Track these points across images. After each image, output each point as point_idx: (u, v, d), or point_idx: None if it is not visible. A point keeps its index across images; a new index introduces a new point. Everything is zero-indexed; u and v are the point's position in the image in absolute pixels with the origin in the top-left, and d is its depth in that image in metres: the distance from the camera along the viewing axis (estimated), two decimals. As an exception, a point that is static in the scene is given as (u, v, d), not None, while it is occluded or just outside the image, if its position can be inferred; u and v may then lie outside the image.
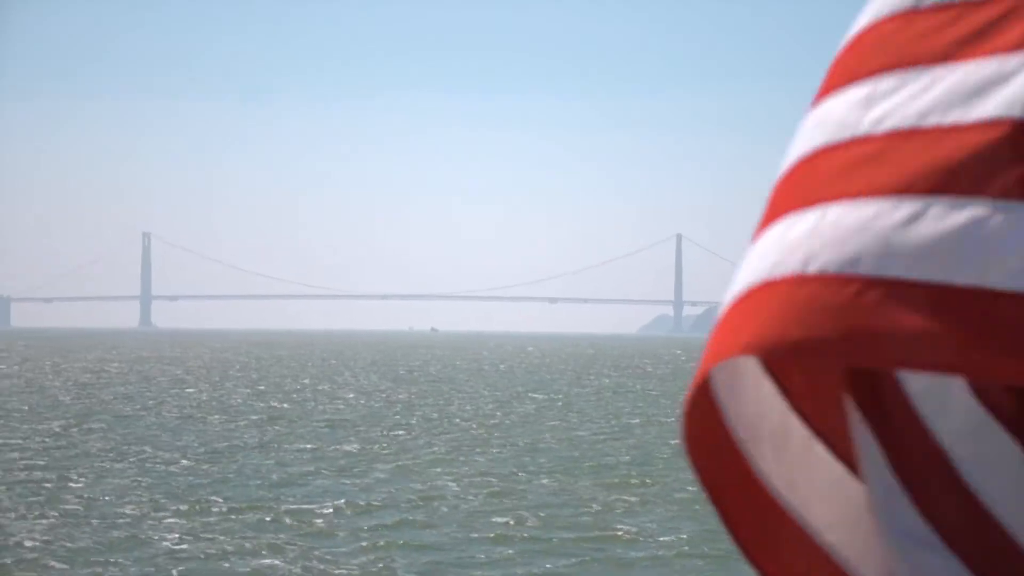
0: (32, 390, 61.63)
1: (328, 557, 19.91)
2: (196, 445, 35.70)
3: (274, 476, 28.81)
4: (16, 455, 32.48)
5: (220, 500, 24.93)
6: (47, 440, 36.61)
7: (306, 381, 74.35)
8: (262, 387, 67.59)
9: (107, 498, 25.07)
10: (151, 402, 53.79)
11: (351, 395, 60.73)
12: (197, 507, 24.09)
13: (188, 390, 63.23)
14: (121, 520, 22.52)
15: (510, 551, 20.61)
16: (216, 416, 46.47)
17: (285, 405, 53.07)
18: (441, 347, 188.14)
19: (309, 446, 35.81)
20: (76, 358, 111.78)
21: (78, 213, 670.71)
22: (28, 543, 20.52)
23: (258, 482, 27.64)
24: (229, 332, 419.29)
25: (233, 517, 23.08)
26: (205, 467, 30.49)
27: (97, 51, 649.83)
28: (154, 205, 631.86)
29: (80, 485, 26.91)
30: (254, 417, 46.23)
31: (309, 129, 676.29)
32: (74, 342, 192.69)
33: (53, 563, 19.16)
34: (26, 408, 49.40)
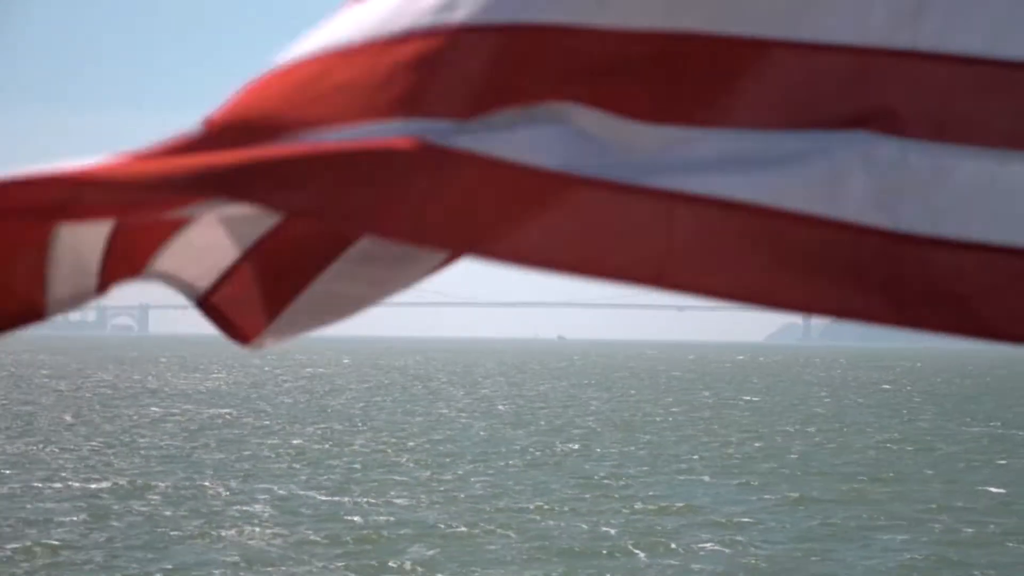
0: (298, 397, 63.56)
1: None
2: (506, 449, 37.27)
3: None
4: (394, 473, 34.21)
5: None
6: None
7: (565, 383, 75.82)
8: (486, 390, 69.43)
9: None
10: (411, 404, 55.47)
11: (595, 402, 62.14)
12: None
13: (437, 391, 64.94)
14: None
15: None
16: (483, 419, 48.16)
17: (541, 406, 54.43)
18: (598, 355, 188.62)
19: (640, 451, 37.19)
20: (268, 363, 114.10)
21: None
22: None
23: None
24: (368, 339, 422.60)
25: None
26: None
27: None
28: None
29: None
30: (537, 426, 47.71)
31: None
32: (228, 348, 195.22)
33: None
34: (335, 423, 51.22)
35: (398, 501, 26.62)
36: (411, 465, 33.18)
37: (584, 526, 23.98)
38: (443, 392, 70.68)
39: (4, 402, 54.48)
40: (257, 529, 22.91)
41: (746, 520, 24.82)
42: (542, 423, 48.74)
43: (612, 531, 23.50)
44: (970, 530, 24.21)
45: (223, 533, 22.47)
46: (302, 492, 27.55)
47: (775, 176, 2.16)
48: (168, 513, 24.53)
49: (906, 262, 2.14)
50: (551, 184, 2.16)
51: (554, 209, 2.16)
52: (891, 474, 33.05)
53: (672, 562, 21.01)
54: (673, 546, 22.25)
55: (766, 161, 2.17)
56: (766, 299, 2.17)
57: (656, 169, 2.17)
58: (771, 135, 2.19)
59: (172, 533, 22.40)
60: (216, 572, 19.52)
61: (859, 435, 45.17)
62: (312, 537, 22.22)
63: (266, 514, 24.57)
